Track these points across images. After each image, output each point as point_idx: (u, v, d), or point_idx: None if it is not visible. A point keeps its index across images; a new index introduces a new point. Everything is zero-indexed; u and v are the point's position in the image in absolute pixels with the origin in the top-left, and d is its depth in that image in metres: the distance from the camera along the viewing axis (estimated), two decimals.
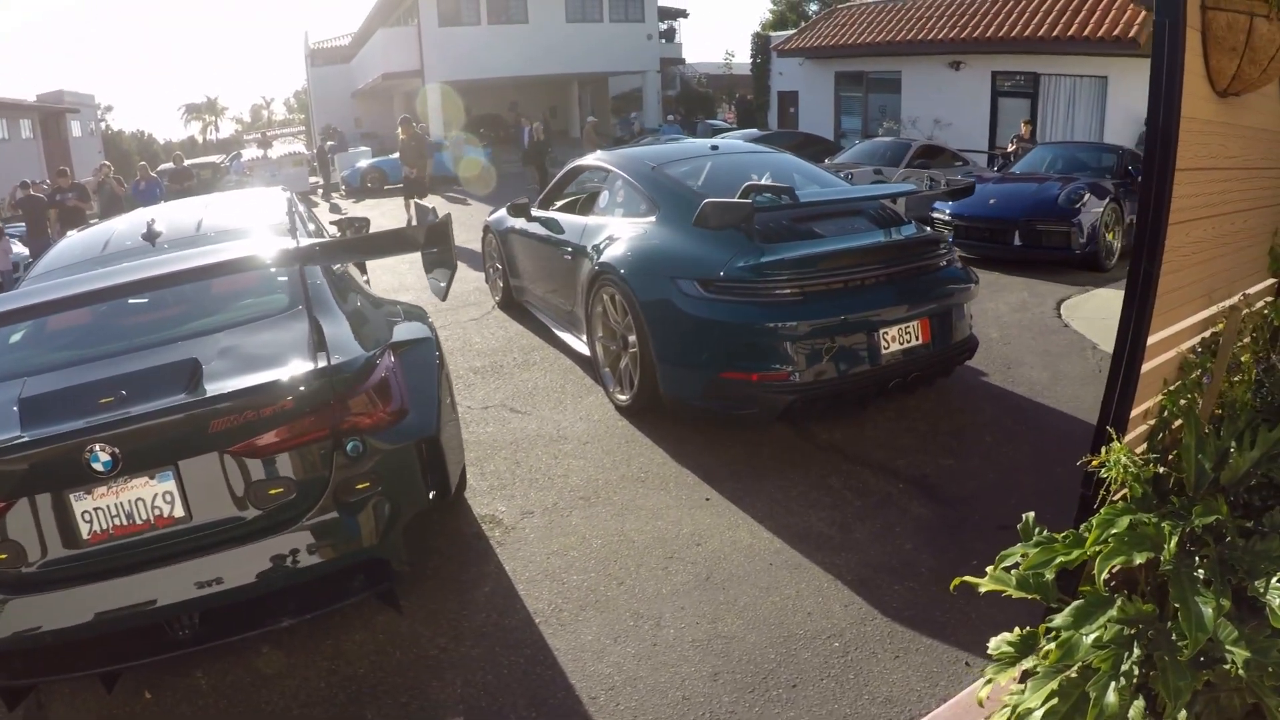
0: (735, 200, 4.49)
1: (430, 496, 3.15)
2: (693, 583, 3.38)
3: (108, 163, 16.40)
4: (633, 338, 4.73)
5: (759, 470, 4.29)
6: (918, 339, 4.44)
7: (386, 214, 16.80)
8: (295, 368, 2.83)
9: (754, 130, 21.02)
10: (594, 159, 6.46)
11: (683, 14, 40.94)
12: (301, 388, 2.78)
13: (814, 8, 38.04)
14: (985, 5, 17.96)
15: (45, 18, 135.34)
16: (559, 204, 6.86)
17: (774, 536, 3.67)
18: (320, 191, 25.24)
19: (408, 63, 29.00)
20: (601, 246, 5.19)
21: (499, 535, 3.84)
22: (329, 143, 26.36)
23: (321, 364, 2.81)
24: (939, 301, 4.58)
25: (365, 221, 5.92)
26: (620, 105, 31.71)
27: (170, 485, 2.69)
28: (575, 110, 34.29)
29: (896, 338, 4.36)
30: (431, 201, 13.80)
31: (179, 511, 2.71)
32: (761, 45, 26.06)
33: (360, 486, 2.89)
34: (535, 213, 6.65)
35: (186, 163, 20.81)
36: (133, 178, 15.23)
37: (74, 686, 3.05)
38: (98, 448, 2.56)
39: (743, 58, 38.66)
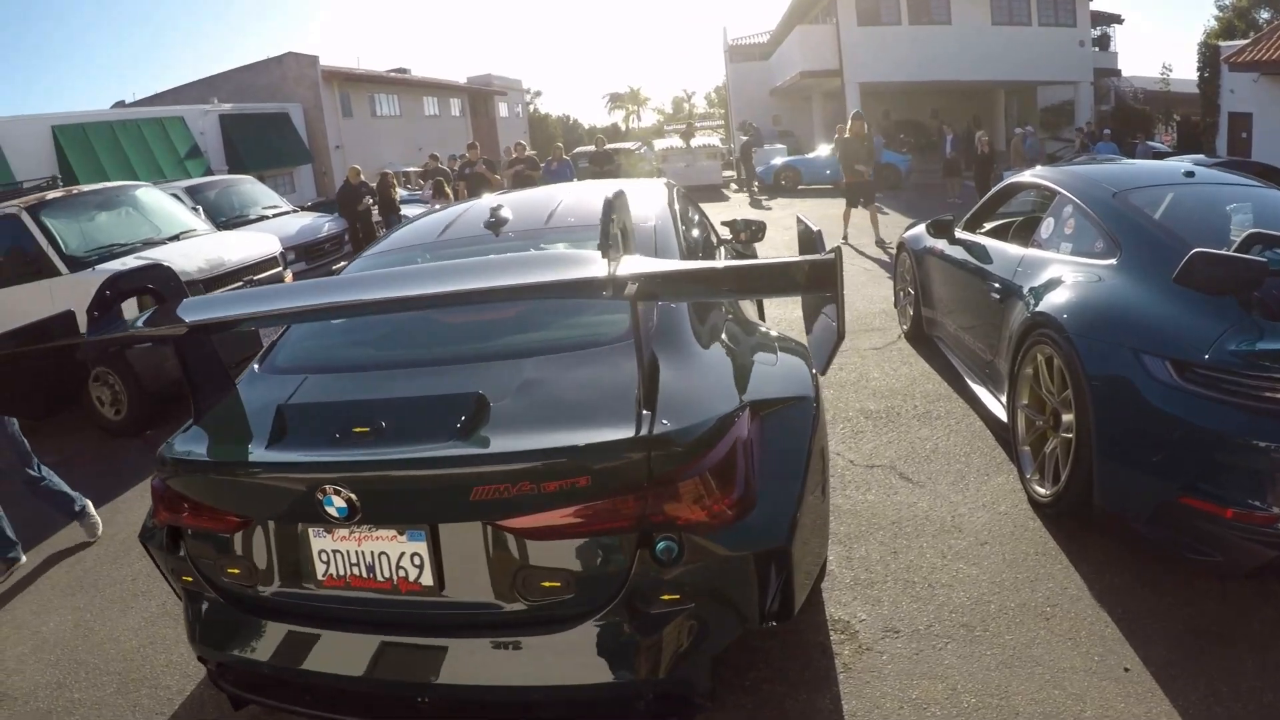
0: (1238, 254, 3.15)
1: (761, 623, 2.30)
2: None
3: (523, 142, 17.68)
4: (1068, 417, 3.55)
5: (1199, 638, 2.93)
6: None
7: (799, 214, 16.17)
8: (607, 429, 2.11)
9: (1201, 156, 17.60)
10: (1035, 176, 5.25)
11: (1117, 19, 35.95)
12: (608, 460, 2.07)
13: (1265, 15, 31.58)
14: None
15: (480, 6, 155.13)
16: (988, 227, 5.75)
17: None
18: (734, 185, 25.64)
19: (826, 61, 28.51)
20: (1040, 290, 4.05)
21: (848, 655, 2.96)
22: (744, 138, 26.58)
23: (644, 430, 2.08)
24: None
25: (760, 226, 5.24)
26: (1049, 118, 28.38)
27: (421, 547, 2.20)
28: (1000, 121, 31.63)
29: None
30: (855, 213, 12.91)
31: (427, 579, 2.22)
32: (1210, 57, 21.72)
33: (665, 598, 2.15)
34: (960, 234, 5.65)
35: (607, 146, 21.93)
36: (546, 158, 16.32)
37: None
38: (331, 491, 2.13)
39: (1180, 72, 33.28)
